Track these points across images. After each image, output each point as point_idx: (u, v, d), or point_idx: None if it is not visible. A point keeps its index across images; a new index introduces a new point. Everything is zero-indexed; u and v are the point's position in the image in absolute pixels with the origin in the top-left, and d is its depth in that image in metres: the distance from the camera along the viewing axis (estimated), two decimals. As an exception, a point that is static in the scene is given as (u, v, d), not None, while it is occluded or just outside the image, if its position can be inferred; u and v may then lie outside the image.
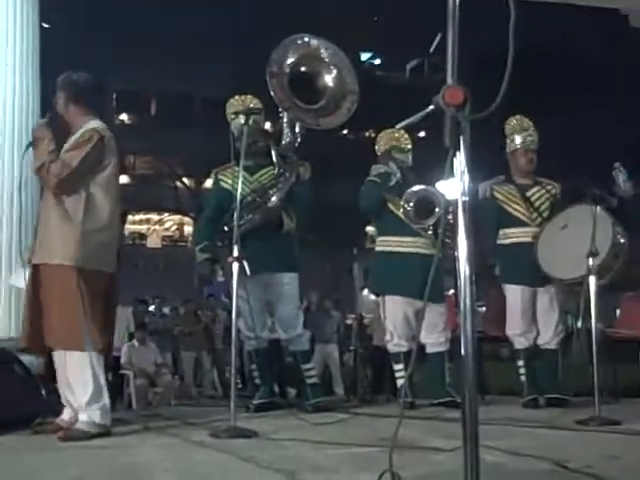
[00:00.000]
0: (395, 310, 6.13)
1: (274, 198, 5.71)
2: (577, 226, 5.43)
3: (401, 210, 6.04)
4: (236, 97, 5.88)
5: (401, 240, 6.17)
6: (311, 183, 6.01)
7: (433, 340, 6.06)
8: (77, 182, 4.35)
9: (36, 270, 4.38)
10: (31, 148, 4.54)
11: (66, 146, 4.44)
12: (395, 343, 6.17)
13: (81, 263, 4.29)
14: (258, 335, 5.70)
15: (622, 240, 5.52)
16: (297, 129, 5.80)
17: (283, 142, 5.85)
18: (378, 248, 6.35)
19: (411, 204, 6.04)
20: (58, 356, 4.39)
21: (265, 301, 5.82)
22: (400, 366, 6.16)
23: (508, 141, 6.18)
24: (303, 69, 5.53)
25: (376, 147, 6.52)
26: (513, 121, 6.16)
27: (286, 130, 5.82)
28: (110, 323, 4.60)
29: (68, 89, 4.59)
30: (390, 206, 6.23)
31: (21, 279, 4.74)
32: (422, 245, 6.13)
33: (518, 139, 6.11)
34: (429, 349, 6.10)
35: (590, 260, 4.94)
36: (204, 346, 13.13)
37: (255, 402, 5.77)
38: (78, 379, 4.28)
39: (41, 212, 4.48)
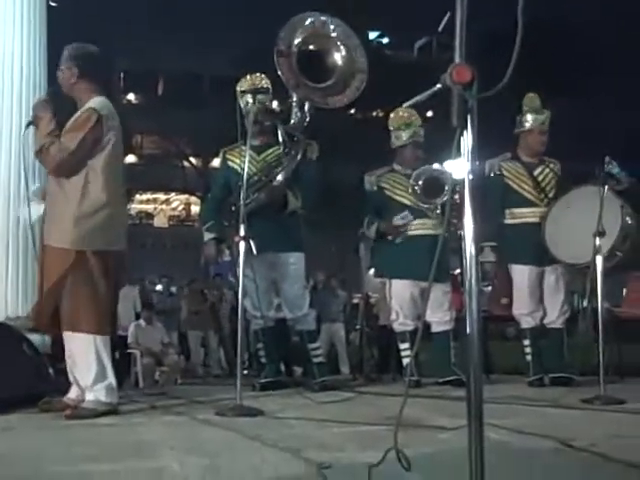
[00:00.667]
0: (401, 290, 6.15)
1: (279, 177, 5.71)
2: (584, 208, 5.41)
3: (410, 190, 6.05)
4: (247, 76, 5.86)
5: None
6: (318, 162, 6.00)
7: (438, 319, 6.08)
8: (75, 165, 4.30)
9: (43, 250, 4.40)
10: (32, 127, 4.49)
11: (67, 125, 4.37)
12: (401, 322, 6.20)
13: (79, 246, 4.27)
14: (264, 314, 5.70)
15: (630, 221, 5.51)
16: (306, 108, 5.78)
17: (292, 121, 5.83)
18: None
19: (420, 183, 6.05)
20: (65, 336, 4.41)
21: (271, 280, 5.82)
22: (406, 345, 6.19)
23: (522, 119, 6.14)
24: (311, 47, 5.51)
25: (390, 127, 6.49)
26: (529, 98, 6.12)
27: (295, 109, 5.80)
28: (115, 303, 4.60)
29: (79, 61, 4.46)
30: (390, 194, 6.24)
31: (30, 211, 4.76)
32: (430, 226, 6.14)
33: (534, 118, 6.07)
34: (434, 328, 6.13)
35: (597, 240, 4.93)
36: (210, 325, 13.18)
37: (261, 381, 5.80)
38: (82, 361, 4.30)
39: (47, 194, 4.47)
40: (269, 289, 5.85)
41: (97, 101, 4.39)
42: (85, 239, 4.28)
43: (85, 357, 4.28)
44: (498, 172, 6.08)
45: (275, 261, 5.75)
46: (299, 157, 5.77)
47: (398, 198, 6.24)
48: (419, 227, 6.15)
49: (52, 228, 4.34)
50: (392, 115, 6.48)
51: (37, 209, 4.75)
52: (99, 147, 4.33)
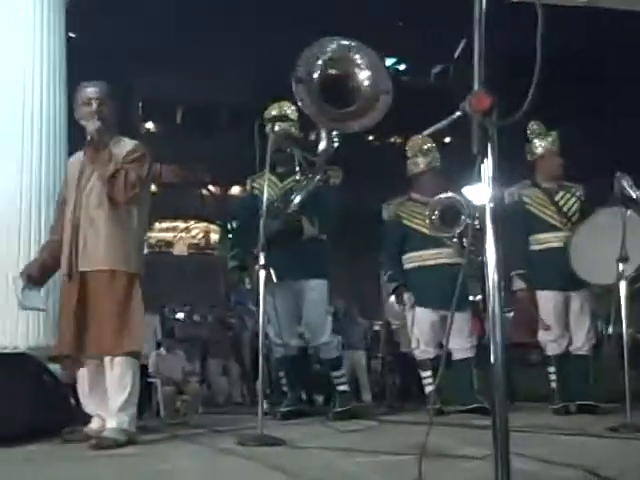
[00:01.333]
0: (422, 318, 6.13)
1: (294, 203, 5.71)
2: (609, 228, 5.36)
3: (427, 221, 6.04)
4: (274, 103, 5.88)
5: (425, 254, 6.16)
6: (341, 189, 5.99)
7: (459, 346, 6.04)
8: (140, 193, 4.50)
9: (84, 277, 4.40)
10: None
11: (123, 157, 4.48)
12: (422, 350, 6.17)
13: (139, 269, 4.49)
14: (286, 342, 5.69)
15: None
16: (333, 135, 5.76)
17: (319, 149, 5.82)
18: (405, 266, 6.32)
19: (436, 212, 6.04)
20: (95, 363, 4.42)
21: (293, 308, 5.81)
22: (427, 373, 6.15)
23: (531, 147, 6.13)
24: (333, 72, 5.48)
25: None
26: (534, 126, 6.11)
27: (323, 136, 5.79)
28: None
29: (113, 100, 4.66)
30: (408, 223, 6.23)
31: (36, 299, 4.77)
32: (447, 255, 6.12)
33: (542, 143, 6.07)
34: (455, 355, 6.09)
35: (620, 265, 4.89)
36: (232, 354, 13.15)
37: (282, 409, 5.76)
38: (118, 383, 4.31)
39: (85, 220, 4.44)
40: (291, 317, 5.83)
41: (137, 142, 4.69)
42: (140, 263, 4.52)
43: (121, 379, 4.31)
44: (517, 199, 6.06)
45: (297, 288, 5.75)
46: (316, 182, 5.76)
47: (416, 227, 6.23)
48: (436, 256, 6.14)
49: (113, 252, 4.39)
50: (409, 143, 6.48)
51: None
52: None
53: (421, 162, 6.33)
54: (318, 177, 5.77)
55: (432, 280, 5.98)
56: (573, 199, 6.03)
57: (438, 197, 6.13)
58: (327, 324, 5.88)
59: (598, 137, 24.35)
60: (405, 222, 6.28)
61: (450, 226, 6.06)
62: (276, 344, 5.84)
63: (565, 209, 5.99)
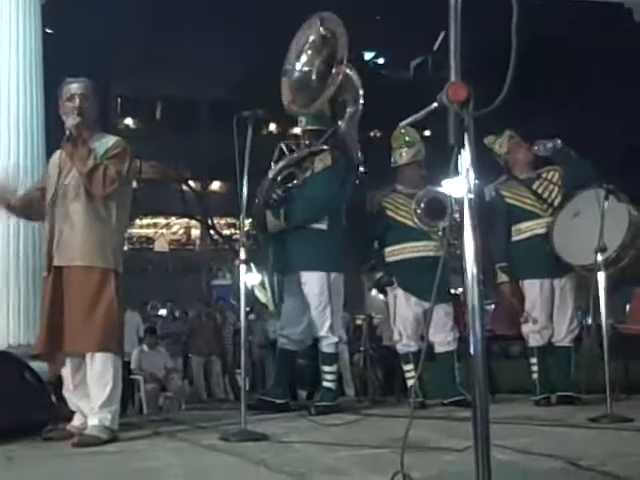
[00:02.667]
0: (405, 311, 6.11)
1: (274, 196, 5.74)
2: (590, 212, 5.41)
3: (413, 213, 6.04)
4: None
5: (408, 246, 6.13)
6: (331, 173, 5.88)
7: (441, 339, 6.05)
8: (121, 189, 4.50)
9: (59, 272, 4.38)
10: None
11: (104, 153, 4.47)
12: (404, 343, 6.17)
13: (116, 265, 4.44)
14: (287, 334, 5.74)
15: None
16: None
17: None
18: (387, 259, 6.30)
19: (422, 205, 6.04)
20: (76, 360, 4.40)
21: (297, 301, 5.78)
22: (410, 366, 6.15)
23: (500, 140, 6.17)
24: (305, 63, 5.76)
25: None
26: (486, 140, 6.17)
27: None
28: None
29: (95, 97, 4.66)
30: (393, 214, 6.22)
31: None
32: (432, 248, 6.10)
33: (501, 143, 6.13)
34: (437, 348, 6.09)
35: (599, 256, 4.92)
36: (214, 350, 13.12)
37: (318, 404, 5.69)
38: (98, 380, 4.29)
39: (61, 214, 4.43)
40: (295, 310, 5.80)
41: (118, 138, 4.67)
42: (118, 259, 4.47)
43: (102, 377, 4.29)
44: (496, 194, 6.09)
45: (287, 281, 5.78)
46: (270, 178, 5.82)
47: (400, 219, 6.21)
48: (421, 249, 6.11)
49: (88, 248, 4.36)
50: (394, 134, 6.45)
51: None
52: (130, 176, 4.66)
53: (405, 154, 6.31)
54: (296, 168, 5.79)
55: (415, 272, 5.96)
56: (552, 185, 6.03)
57: (425, 190, 6.13)
58: (324, 317, 5.74)
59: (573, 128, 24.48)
60: (390, 213, 6.25)
61: (436, 219, 6.06)
62: (281, 335, 5.88)
63: (545, 196, 6.00)
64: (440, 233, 6.08)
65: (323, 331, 5.75)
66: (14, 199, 4.75)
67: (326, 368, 5.84)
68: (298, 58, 5.82)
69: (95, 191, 4.37)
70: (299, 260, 5.72)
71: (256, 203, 5.77)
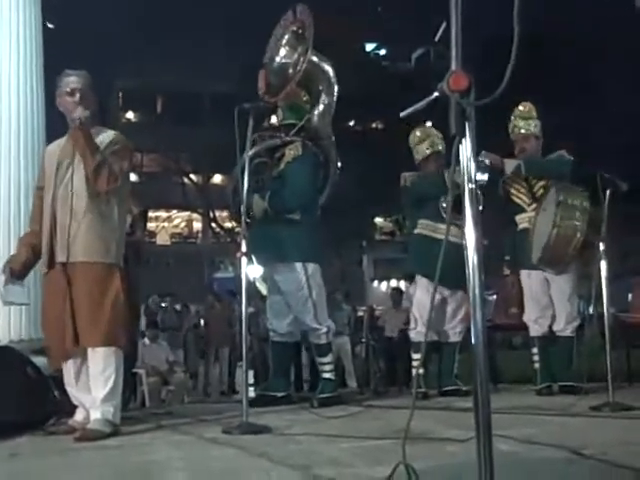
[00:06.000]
0: (424, 298, 6.07)
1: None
2: (548, 209, 5.62)
3: (439, 208, 6.04)
4: None
5: (439, 226, 6.09)
6: (301, 163, 5.86)
7: (451, 328, 6.09)
8: (120, 184, 4.48)
9: (63, 269, 4.36)
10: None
11: (105, 148, 4.45)
12: (418, 331, 6.15)
13: (119, 260, 4.46)
14: (274, 327, 5.73)
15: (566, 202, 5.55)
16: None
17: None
18: (417, 230, 6.31)
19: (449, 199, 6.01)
20: (79, 354, 4.40)
21: (276, 295, 5.80)
22: (418, 356, 6.15)
23: (512, 126, 6.18)
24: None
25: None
26: (524, 107, 6.15)
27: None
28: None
29: (94, 90, 4.62)
30: (428, 191, 6.20)
31: (20, 294, 4.72)
32: (456, 234, 6.07)
33: (510, 127, 6.14)
34: (444, 338, 6.12)
35: (601, 245, 4.92)
36: (217, 343, 13.15)
37: (320, 396, 5.67)
38: (101, 374, 4.28)
39: (64, 211, 4.39)
40: (279, 302, 5.80)
41: (117, 133, 4.64)
42: (120, 254, 4.49)
43: (105, 371, 4.28)
44: (501, 185, 6.11)
45: (273, 274, 5.77)
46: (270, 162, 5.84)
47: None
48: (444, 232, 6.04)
49: (92, 244, 4.35)
50: (410, 135, 6.50)
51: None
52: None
53: (422, 149, 6.35)
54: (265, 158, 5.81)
55: (437, 253, 5.94)
56: (546, 180, 6.01)
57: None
58: (307, 309, 5.71)
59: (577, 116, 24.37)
60: (425, 190, 6.22)
61: (459, 212, 6.04)
62: (270, 329, 5.89)
63: (535, 189, 6.01)
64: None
65: (309, 323, 5.73)
66: (17, 265, 4.68)
67: (322, 359, 5.84)
68: (277, 51, 6.00)
69: (99, 187, 4.36)
70: (275, 252, 5.67)
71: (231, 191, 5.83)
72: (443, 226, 6.02)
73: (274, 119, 6.12)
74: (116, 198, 4.49)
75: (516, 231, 6.06)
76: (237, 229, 5.60)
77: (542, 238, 5.58)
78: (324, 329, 5.75)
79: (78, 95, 4.50)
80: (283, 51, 5.97)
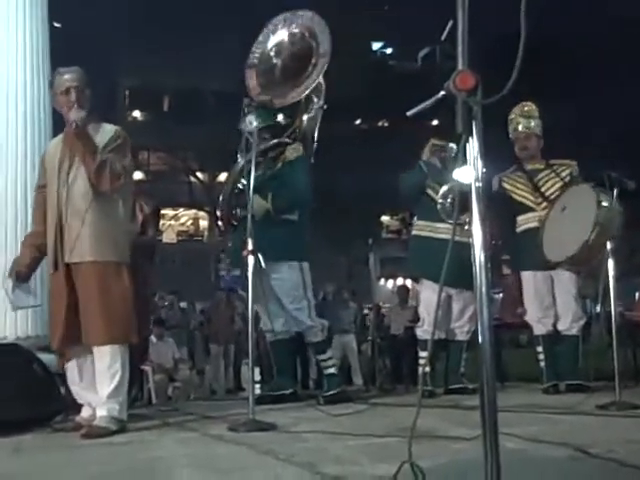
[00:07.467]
0: (431, 296, 6.06)
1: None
2: (574, 207, 5.47)
3: (438, 205, 6.00)
4: None
5: (437, 226, 6.07)
6: (304, 162, 5.87)
7: (458, 327, 6.09)
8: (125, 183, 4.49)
9: (70, 269, 4.37)
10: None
11: (104, 144, 4.44)
12: (424, 330, 6.15)
13: (125, 258, 4.48)
14: (270, 328, 5.70)
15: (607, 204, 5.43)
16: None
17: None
18: (414, 232, 6.32)
19: (449, 200, 5.98)
20: (85, 352, 4.41)
21: (270, 293, 5.73)
22: (425, 354, 6.15)
23: (512, 124, 6.17)
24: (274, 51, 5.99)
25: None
26: (525, 107, 6.13)
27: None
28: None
29: (90, 87, 4.59)
30: (430, 192, 6.18)
31: (29, 297, 4.73)
32: (457, 232, 6.06)
33: (510, 126, 6.13)
34: (451, 336, 6.12)
35: (609, 244, 4.91)
36: (224, 340, 13.17)
37: (325, 394, 5.68)
38: (107, 371, 4.30)
39: (69, 211, 4.39)
40: (274, 302, 5.76)
41: (117, 128, 4.62)
42: (126, 252, 4.51)
43: (111, 368, 4.29)
44: (499, 186, 6.09)
45: (268, 272, 5.71)
46: (268, 161, 5.79)
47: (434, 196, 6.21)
48: (446, 231, 6.00)
49: (99, 244, 4.36)
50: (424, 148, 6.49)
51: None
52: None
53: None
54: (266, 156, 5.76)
55: (441, 255, 5.91)
56: (555, 179, 5.99)
57: (450, 184, 6.03)
58: (302, 308, 5.70)
59: (595, 116, 24.33)
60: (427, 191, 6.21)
61: (463, 212, 6.03)
62: (266, 330, 5.85)
63: (543, 189, 5.98)
64: (467, 227, 6.03)
65: (305, 321, 5.71)
66: (22, 268, 4.69)
67: (322, 356, 5.83)
68: (268, 52, 6.04)
69: (103, 188, 4.36)
70: (271, 251, 5.60)
71: (224, 193, 5.80)
72: (440, 225, 6.03)
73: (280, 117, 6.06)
74: (120, 195, 4.50)
75: (518, 231, 6.03)
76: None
77: (568, 237, 5.40)
78: (319, 326, 5.78)
79: (74, 94, 4.48)
80: (284, 52, 5.95)
